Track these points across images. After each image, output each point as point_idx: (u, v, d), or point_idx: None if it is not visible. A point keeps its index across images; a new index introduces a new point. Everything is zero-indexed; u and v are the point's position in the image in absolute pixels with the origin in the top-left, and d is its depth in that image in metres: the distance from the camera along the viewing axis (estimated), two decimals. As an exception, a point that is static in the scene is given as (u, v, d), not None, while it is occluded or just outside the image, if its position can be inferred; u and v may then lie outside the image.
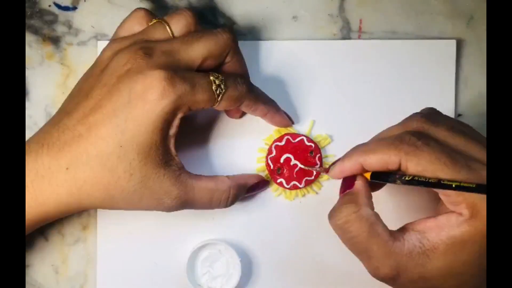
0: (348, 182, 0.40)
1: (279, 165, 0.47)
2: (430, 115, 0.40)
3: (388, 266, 0.37)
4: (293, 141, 0.47)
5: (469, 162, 0.36)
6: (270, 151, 0.47)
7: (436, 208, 0.40)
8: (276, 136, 0.47)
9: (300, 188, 0.47)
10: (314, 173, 0.47)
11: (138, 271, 0.47)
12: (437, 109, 0.47)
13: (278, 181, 0.47)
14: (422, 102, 0.48)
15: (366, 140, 0.47)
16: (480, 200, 0.35)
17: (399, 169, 0.38)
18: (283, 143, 0.47)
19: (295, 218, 0.48)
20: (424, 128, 0.38)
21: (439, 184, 0.36)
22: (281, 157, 0.47)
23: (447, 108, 0.48)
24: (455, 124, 0.39)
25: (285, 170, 0.47)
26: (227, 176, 0.44)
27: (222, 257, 0.47)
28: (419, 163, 0.36)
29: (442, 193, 0.37)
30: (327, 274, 0.48)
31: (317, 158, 0.47)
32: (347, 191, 0.40)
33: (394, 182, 0.38)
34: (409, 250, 0.37)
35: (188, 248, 0.47)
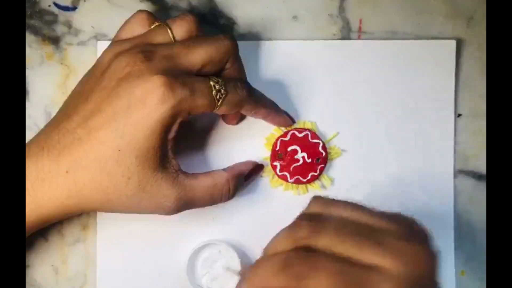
0: None
1: (284, 150, 0.47)
2: (314, 218, 0.34)
3: None
4: (311, 140, 0.47)
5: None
6: (284, 135, 0.47)
7: None
8: (279, 133, 0.47)
9: (303, 182, 0.47)
10: (318, 169, 0.47)
11: (138, 272, 0.47)
12: (437, 109, 0.47)
13: (274, 163, 0.47)
14: (422, 102, 0.48)
15: (366, 140, 0.48)
16: None
17: None
18: (302, 135, 0.47)
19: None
20: (308, 240, 0.32)
21: None
22: (290, 146, 0.47)
23: (447, 108, 0.48)
24: (342, 222, 0.33)
25: (286, 158, 0.47)
26: (223, 169, 0.44)
27: (222, 257, 0.47)
28: None
29: None
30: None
31: (318, 168, 0.47)
32: None
33: None
34: None
35: (188, 249, 0.47)
